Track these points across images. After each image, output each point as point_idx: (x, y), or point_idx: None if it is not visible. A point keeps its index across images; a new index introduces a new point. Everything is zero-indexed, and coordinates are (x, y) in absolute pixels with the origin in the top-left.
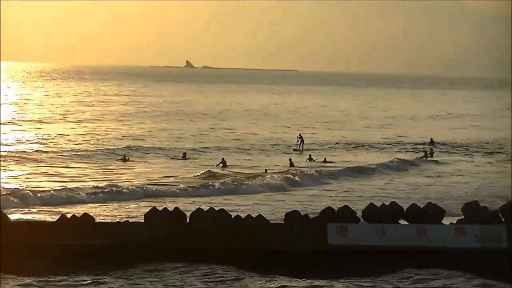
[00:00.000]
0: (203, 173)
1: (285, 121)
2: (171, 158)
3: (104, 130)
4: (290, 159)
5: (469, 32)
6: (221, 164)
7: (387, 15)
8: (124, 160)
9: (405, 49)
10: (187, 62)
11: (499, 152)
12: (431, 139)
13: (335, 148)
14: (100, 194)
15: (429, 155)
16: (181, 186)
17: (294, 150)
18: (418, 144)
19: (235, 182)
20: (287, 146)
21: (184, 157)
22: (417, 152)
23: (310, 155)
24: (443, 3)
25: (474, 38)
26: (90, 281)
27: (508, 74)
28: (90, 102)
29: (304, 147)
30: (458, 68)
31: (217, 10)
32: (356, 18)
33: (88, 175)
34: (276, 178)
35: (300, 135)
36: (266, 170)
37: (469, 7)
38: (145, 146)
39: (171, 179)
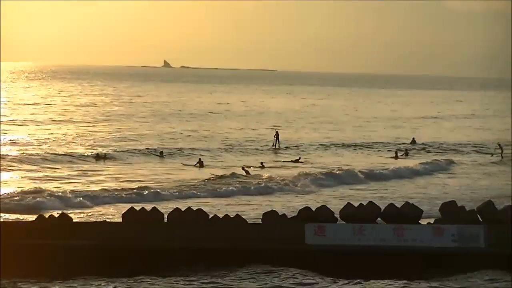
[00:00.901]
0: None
1: (261, 120)
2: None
3: (105, 131)
4: (261, 163)
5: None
6: (198, 164)
7: (364, 14)
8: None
9: (386, 49)
10: (165, 62)
11: (480, 152)
12: (413, 138)
13: (311, 147)
14: (145, 193)
15: (403, 155)
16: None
17: (272, 145)
18: (399, 144)
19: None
20: (264, 144)
21: (161, 155)
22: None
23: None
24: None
25: (457, 37)
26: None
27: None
28: (74, 102)
29: (280, 145)
30: (438, 68)
31: (195, 10)
32: (336, 18)
33: (111, 175)
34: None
35: (276, 132)
36: (243, 167)
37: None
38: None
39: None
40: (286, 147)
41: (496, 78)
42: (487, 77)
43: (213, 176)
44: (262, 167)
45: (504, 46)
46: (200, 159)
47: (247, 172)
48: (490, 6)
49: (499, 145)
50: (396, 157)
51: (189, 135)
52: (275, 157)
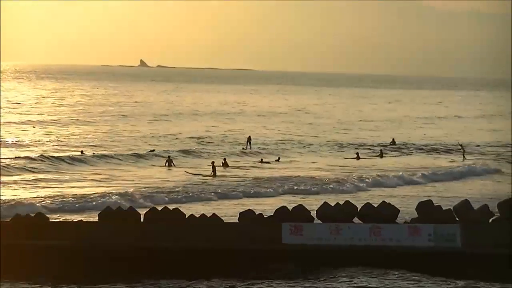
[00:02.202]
0: None
1: (236, 120)
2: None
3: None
4: (224, 159)
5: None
6: (167, 164)
7: (339, 14)
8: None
9: (367, 49)
10: (141, 61)
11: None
12: (393, 139)
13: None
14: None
15: (379, 155)
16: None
17: (243, 149)
18: (380, 145)
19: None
20: (235, 146)
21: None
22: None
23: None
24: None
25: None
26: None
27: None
28: (55, 102)
29: (251, 147)
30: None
31: (172, 9)
32: (313, 17)
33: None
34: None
35: (249, 136)
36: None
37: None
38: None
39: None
40: (263, 149)
41: (479, 78)
42: (469, 77)
43: (188, 174)
44: (226, 165)
45: (485, 46)
46: (169, 156)
47: (214, 168)
48: (470, 6)
49: (460, 145)
50: (358, 158)
51: (159, 136)
52: (246, 157)
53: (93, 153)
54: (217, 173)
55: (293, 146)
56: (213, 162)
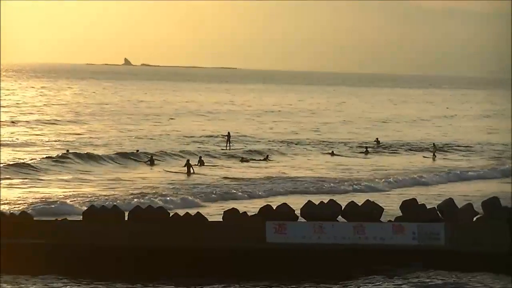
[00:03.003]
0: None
1: (218, 118)
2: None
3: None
4: (200, 157)
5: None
6: (149, 162)
7: (321, 13)
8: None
9: (340, 48)
10: (125, 59)
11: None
12: (377, 138)
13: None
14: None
15: (365, 152)
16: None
17: (222, 149)
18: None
19: None
20: (215, 144)
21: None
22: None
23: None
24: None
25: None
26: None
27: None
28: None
29: (231, 145)
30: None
31: (156, 8)
32: (298, 16)
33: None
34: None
35: (228, 133)
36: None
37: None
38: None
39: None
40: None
41: (469, 77)
42: (456, 75)
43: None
44: (202, 163)
45: (468, 45)
46: (151, 156)
47: (189, 167)
48: (457, 4)
49: (434, 145)
50: (332, 154)
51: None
52: (225, 156)
53: (77, 153)
54: (193, 172)
55: (273, 145)
56: (188, 161)
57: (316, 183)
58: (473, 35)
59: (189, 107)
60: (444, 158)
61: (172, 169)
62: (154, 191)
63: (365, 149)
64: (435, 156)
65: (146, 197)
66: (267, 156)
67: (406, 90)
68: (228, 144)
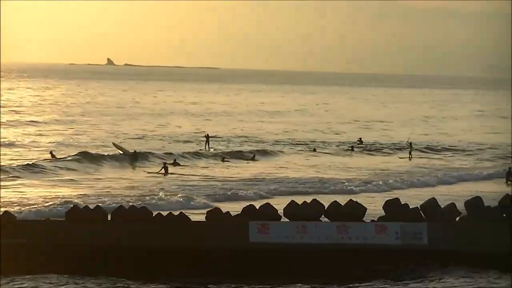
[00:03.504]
0: None
1: (199, 119)
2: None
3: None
4: (164, 163)
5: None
6: (132, 156)
7: (306, 13)
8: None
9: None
10: (108, 59)
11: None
12: (360, 138)
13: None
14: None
15: (350, 149)
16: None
17: (200, 150)
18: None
19: None
20: (195, 145)
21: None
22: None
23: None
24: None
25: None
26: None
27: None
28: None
29: (210, 146)
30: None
31: (139, 8)
32: (285, 15)
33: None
34: None
35: (207, 134)
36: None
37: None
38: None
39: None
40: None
41: (458, 77)
42: (448, 75)
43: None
44: (177, 164)
45: (461, 45)
46: (135, 151)
47: (166, 168)
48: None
49: (410, 144)
50: (314, 150)
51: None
52: (204, 157)
53: (64, 154)
54: (166, 173)
55: (259, 145)
56: (165, 163)
57: (304, 183)
58: (466, 35)
59: (174, 107)
60: (421, 157)
61: (150, 169)
62: (139, 192)
63: (350, 148)
64: (411, 156)
65: (130, 198)
66: (254, 156)
67: (397, 90)
68: (207, 146)
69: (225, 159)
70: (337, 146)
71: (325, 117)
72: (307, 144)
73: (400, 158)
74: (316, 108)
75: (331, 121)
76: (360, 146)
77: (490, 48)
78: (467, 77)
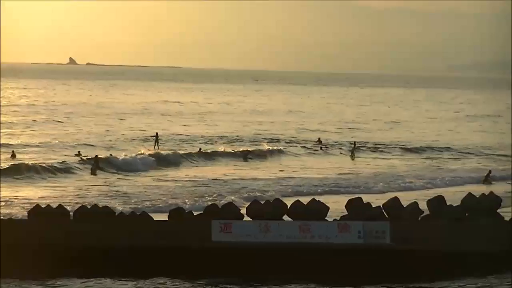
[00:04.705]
0: None
1: (151, 117)
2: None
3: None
4: (96, 155)
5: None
6: (80, 155)
7: (269, 12)
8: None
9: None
10: (70, 59)
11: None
12: (319, 138)
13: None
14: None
15: (318, 143)
16: None
17: (149, 149)
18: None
19: None
20: (142, 144)
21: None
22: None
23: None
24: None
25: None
26: None
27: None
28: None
29: (159, 145)
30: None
31: (101, 7)
32: (245, 16)
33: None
34: None
35: (156, 133)
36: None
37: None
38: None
39: None
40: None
41: (412, 75)
42: (404, 74)
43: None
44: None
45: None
46: (79, 151)
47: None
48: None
49: (354, 144)
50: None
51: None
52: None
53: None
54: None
55: (198, 142)
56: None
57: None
58: (427, 34)
59: (136, 106)
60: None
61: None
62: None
63: (319, 148)
64: (354, 155)
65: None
66: (200, 149)
67: (354, 89)
68: (156, 145)
69: (249, 157)
70: (305, 145)
71: (291, 116)
72: (272, 142)
73: (341, 153)
74: (280, 107)
75: (298, 122)
76: (319, 146)
77: (451, 47)
78: (423, 76)
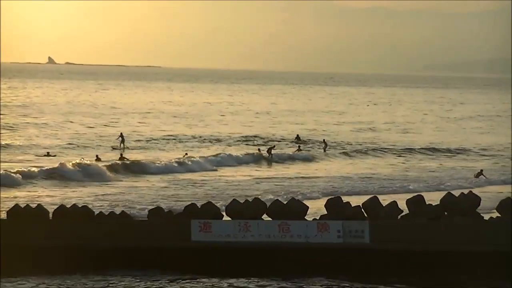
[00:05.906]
0: None
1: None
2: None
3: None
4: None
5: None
6: (47, 155)
7: (249, 12)
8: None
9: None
10: (49, 58)
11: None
12: (297, 135)
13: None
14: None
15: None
16: None
17: (113, 148)
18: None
19: None
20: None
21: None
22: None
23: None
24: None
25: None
26: None
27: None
28: None
29: (125, 146)
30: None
31: (79, 6)
32: (223, 15)
33: None
34: None
35: (121, 133)
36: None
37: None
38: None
39: None
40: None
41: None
42: (381, 73)
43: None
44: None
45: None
46: (48, 153)
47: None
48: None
49: (323, 141)
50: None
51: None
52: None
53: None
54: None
55: (160, 141)
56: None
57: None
58: (402, 34)
59: (116, 106)
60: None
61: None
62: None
63: (297, 147)
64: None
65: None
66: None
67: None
68: (121, 145)
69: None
70: (288, 143)
71: (270, 115)
72: (250, 142)
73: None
74: (259, 106)
75: (275, 120)
76: (298, 143)
77: (426, 48)
78: (403, 75)
